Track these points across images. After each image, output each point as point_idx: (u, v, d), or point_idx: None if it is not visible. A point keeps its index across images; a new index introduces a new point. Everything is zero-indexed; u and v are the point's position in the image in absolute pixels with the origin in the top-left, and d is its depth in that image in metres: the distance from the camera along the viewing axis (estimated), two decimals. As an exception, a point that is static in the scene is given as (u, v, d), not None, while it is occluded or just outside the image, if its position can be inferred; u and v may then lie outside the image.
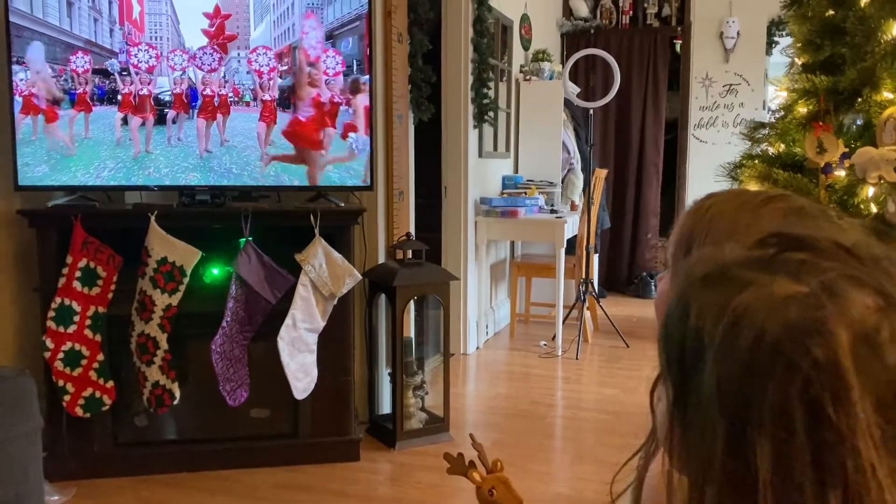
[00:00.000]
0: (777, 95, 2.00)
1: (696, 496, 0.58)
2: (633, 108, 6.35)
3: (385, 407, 3.31)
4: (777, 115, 2.07)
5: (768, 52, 6.20)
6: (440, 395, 3.29)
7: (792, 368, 0.51)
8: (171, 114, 2.85)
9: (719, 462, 0.54)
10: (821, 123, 1.81)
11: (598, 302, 4.90)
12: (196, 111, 2.83)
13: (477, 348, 4.60)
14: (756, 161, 1.98)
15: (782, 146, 2.06)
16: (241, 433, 2.90)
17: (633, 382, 4.09)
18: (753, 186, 1.96)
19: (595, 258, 5.12)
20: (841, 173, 1.78)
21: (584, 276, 4.60)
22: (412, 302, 3.23)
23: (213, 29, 2.82)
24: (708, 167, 6.32)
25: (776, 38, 6.23)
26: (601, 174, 4.81)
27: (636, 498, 0.95)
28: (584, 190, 5.14)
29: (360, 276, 2.88)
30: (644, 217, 6.40)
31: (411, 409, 3.16)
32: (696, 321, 0.57)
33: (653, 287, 6.17)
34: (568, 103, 5.32)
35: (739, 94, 6.22)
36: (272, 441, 2.91)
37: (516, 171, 5.24)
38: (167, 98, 2.83)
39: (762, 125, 2.18)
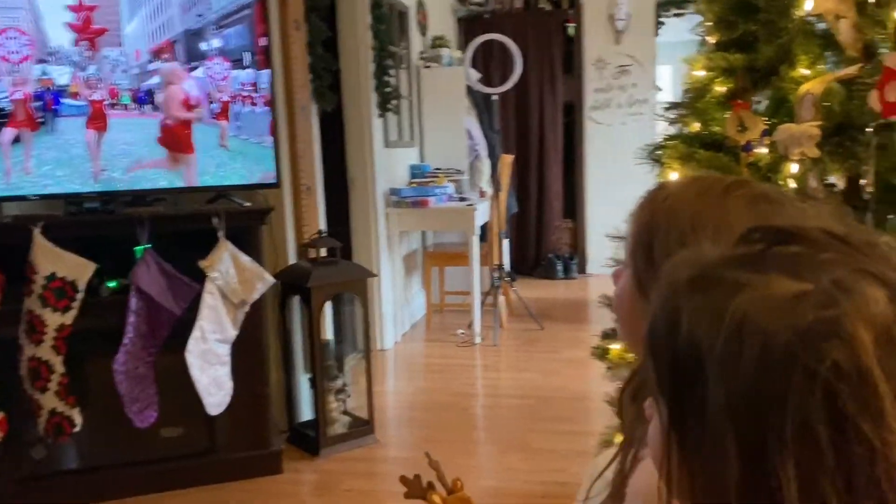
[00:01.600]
0: (691, 75, 1.99)
1: None
2: (531, 93, 6.38)
3: (305, 414, 3.17)
4: (690, 95, 2.07)
5: (656, 33, 6.36)
6: (360, 395, 3.18)
7: (810, 377, 0.45)
8: (7, 133, 2.37)
9: (736, 491, 0.47)
10: (740, 101, 1.81)
11: (512, 287, 4.90)
12: (85, 121, 2.52)
13: (395, 343, 4.50)
14: (677, 142, 1.97)
15: (698, 125, 2.06)
16: (152, 455, 2.69)
17: (552, 365, 4.10)
18: (676, 167, 1.95)
19: (505, 243, 5.12)
20: (762, 150, 1.79)
21: (497, 263, 4.59)
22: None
23: (80, 23, 2.56)
24: (605, 148, 6.46)
25: (662, 20, 6.40)
26: (507, 160, 4.80)
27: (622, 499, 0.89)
28: (491, 176, 5.12)
29: (272, 280, 2.73)
30: (548, 200, 6.47)
31: (334, 413, 3.04)
32: (688, 332, 0.51)
33: (559, 268, 6.25)
34: (469, 89, 5.28)
35: (632, 75, 6.35)
36: (188, 461, 2.73)
37: (422, 160, 5.15)
38: (6, 107, 2.37)
39: (676, 105, 2.18)
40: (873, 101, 1.60)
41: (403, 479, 1.07)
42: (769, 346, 0.46)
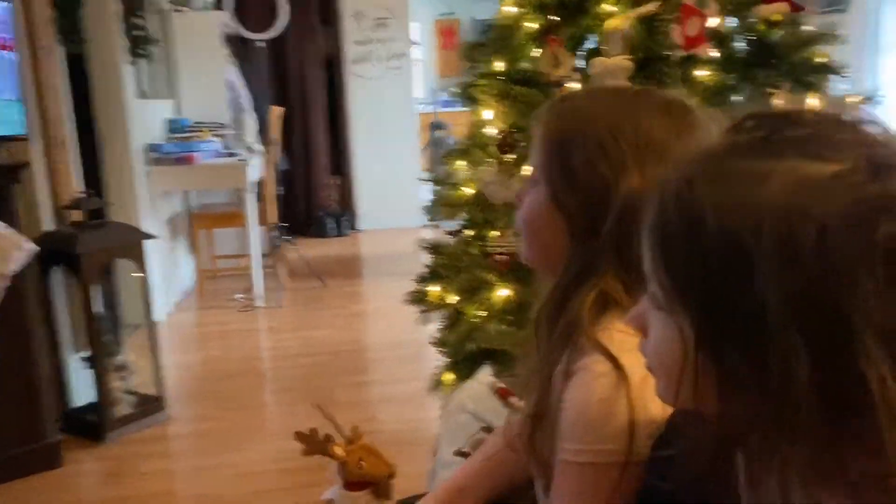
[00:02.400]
0: (501, 11, 2.00)
1: (765, 448, 0.49)
2: (290, 44, 6.13)
3: (79, 398, 2.80)
4: (496, 33, 2.08)
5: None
6: (140, 372, 2.88)
7: (872, 252, 0.44)
8: None
9: (809, 387, 0.45)
10: (554, 37, 1.86)
11: (294, 245, 4.73)
12: None
13: (167, 314, 4.13)
14: (491, 79, 1.98)
15: (502, 64, 2.08)
16: None
17: (339, 321, 4.05)
18: (493, 104, 1.96)
19: (277, 201, 4.91)
20: (575, 85, 1.86)
21: (274, 221, 4.38)
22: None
23: None
24: (368, 103, 6.42)
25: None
26: (277, 112, 4.58)
27: (549, 417, 0.86)
28: (259, 131, 4.86)
29: (34, 247, 2.33)
30: (315, 157, 6.31)
31: (117, 393, 2.72)
32: (719, 229, 0.48)
33: (331, 225, 6.15)
34: (228, 38, 4.92)
35: (390, 29, 6.34)
36: (-60, 469, 2.28)
37: (179, 113, 4.72)
38: None
39: (479, 45, 2.18)
40: (676, 35, 1.73)
41: (299, 436, 0.96)
42: (824, 232, 0.45)
